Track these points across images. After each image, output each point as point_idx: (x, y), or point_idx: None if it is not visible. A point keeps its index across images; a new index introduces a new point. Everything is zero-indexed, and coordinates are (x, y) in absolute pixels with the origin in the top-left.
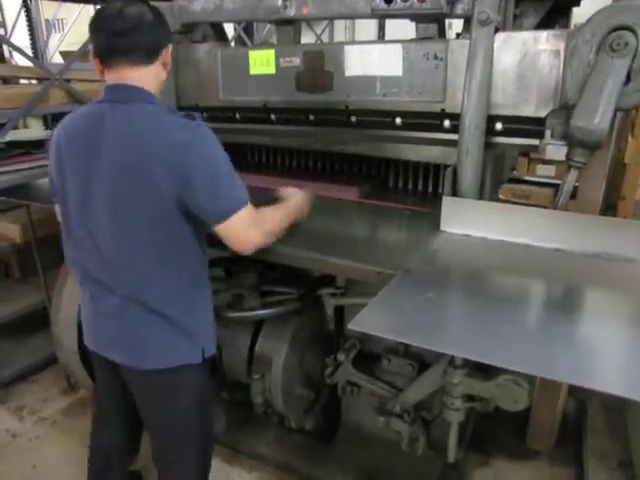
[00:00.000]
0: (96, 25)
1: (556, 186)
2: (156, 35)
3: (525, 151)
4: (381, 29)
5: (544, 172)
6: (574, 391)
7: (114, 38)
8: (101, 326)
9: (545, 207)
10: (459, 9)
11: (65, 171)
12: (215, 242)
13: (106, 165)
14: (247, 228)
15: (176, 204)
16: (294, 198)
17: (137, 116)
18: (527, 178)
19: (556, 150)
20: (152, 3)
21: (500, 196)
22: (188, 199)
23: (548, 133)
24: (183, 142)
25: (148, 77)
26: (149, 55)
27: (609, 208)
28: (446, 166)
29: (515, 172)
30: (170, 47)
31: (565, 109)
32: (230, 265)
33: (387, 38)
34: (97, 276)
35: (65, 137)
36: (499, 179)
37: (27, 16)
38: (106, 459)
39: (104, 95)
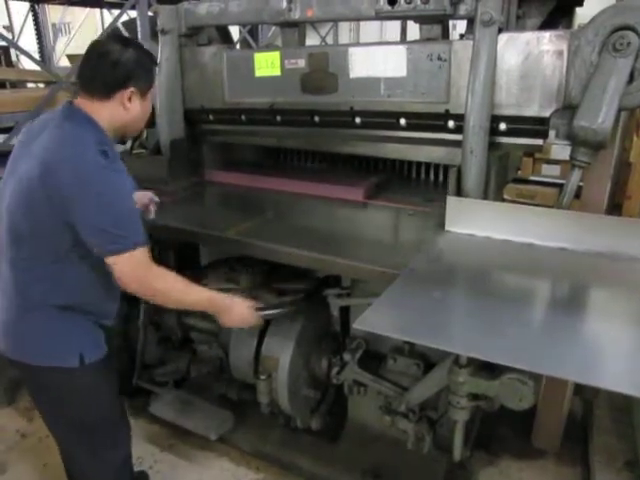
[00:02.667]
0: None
1: (561, 186)
2: (116, 75)
3: (529, 151)
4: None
5: (549, 172)
6: (580, 390)
7: (80, 71)
8: None
9: (550, 207)
10: (462, 10)
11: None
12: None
13: (14, 173)
14: (137, 273)
15: (63, 225)
16: (231, 308)
17: (62, 139)
18: (532, 178)
19: (561, 150)
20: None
21: (505, 196)
22: (77, 228)
23: (553, 133)
24: (84, 177)
25: (101, 112)
26: (103, 92)
27: (615, 208)
28: (450, 166)
29: (520, 172)
30: (132, 91)
31: (569, 109)
32: (236, 266)
33: (388, 37)
34: None
35: (19, 139)
36: (504, 179)
37: (34, 20)
38: None
39: (58, 109)
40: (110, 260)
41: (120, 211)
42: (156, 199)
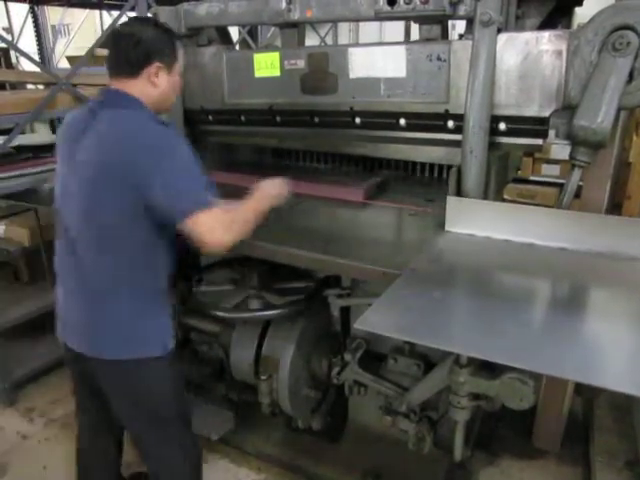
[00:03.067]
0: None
1: (561, 186)
2: (135, 54)
3: (529, 151)
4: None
5: (549, 172)
6: (581, 390)
7: (108, 56)
8: (70, 318)
9: (550, 207)
10: (461, 10)
11: (57, 167)
12: None
13: (82, 163)
14: (213, 227)
15: (142, 203)
16: (262, 189)
17: (118, 119)
18: (532, 178)
19: (561, 149)
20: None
21: (505, 196)
22: (152, 199)
23: (552, 133)
24: (153, 145)
25: (133, 91)
26: (130, 71)
27: (615, 207)
28: (450, 166)
29: (520, 172)
30: (157, 65)
31: (568, 109)
32: (236, 266)
33: (387, 37)
34: (70, 269)
35: (61, 130)
36: (504, 179)
37: (34, 22)
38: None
39: (102, 97)
40: (193, 220)
41: (195, 171)
42: None
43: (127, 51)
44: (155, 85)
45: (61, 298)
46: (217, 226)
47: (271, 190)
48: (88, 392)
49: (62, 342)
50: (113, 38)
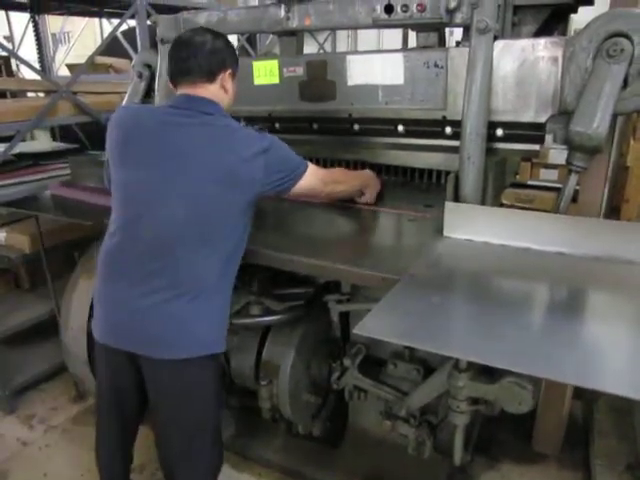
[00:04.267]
0: (170, 52)
1: (559, 190)
2: (212, 61)
3: (526, 156)
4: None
5: (547, 176)
6: (580, 394)
7: (180, 63)
8: (131, 321)
9: (549, 211)
10: (458, 18)
11: (128, 158)
12: None
13: (191, 164)
14: (312, 180)
15: (253, 201)
16: (367, 175)
17: (221, 128)
18: (530, 183)
19: (559, 154)
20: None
21: (504, 201)
22: (270, 190)
23: (550, 138)
24: (263, 148)
25: (208, 95)
26: (207, 77)
27: (613, 211)
28: (448, 172)
29: (518, 177)
30: (228, 72)
31: (564, 114)
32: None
33: (386, 43)
34: (139, 267)
35: (134, 129)
36: (501, 184)
37: (35, 30)
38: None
39: (176, 101)
40: (300, 183)
41: (289, 153)
42: None
43: (204, 58)
44: (226, 91)
45: (115, 299)
46: (319, 181)
47: (371, 180)
48: (128, 397)
49: (104, 345)
50: (186, 45)
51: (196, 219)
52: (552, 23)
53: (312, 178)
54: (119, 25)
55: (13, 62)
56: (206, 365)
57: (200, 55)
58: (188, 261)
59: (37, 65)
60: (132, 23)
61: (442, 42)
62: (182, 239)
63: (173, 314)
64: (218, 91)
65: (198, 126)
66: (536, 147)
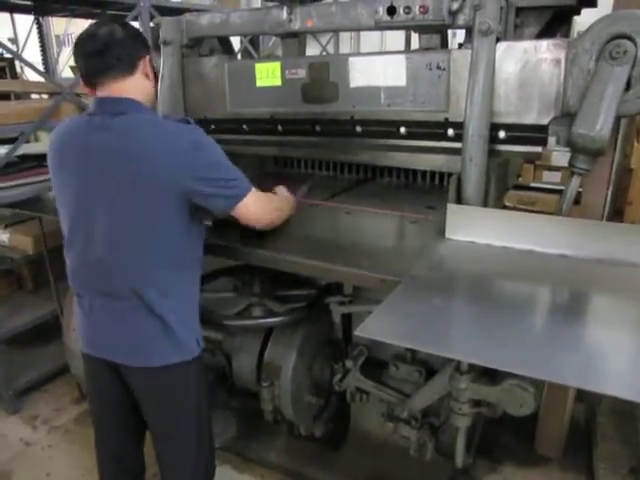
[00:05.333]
0: (75, 51)
1: (562, 192)
2: (129, 49)
3: (529, 158)
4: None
5: (550, 179)
6: (583, 397)
7: (91, 59)
8: (103, 330)
9: (551, 213)
10: (461, 20)
11: (63, 178)
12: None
13: (111, 172)
14: (257, 207)
15: (185, 203)
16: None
17: (138, 125)
18: (533, 185)
19: (562, 156)
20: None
21: (506, 203)
22: (199, 195)
23: (553, 140)
24: (189, 146)
25: (132, 89)
26: (127, 68)
27: (616, 213)
28: (450, 174)
29: (521, 179)
30: (147, 58)
31: (567, 116)
32: (238, 274)
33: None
34: (95, 281)
35: (61, 145)
36: (504, 186)
37: (39, 32)
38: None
39: (94, 108)
40: (240, 205)
41: (230, 164)
42: None
43: (121, 49)
44: (149, 78)
45: (89, 310)
46: (260, 203)
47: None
48: (116, 404)
49: (90, 356)
50: (95, 39)
51: (127, 235)
52: (555, 25)
53: (262, 204)
54: None
55: (17, 64)
56: (184, 370)
57: (115, 46)
58: (140, 275)
59: (41, 67)
60: (135, 25)
61: (444, 44)
62: (124, 255)
63: (139, 324)
64: (143, 81)
65: (117, 132)
66: (539, 149)
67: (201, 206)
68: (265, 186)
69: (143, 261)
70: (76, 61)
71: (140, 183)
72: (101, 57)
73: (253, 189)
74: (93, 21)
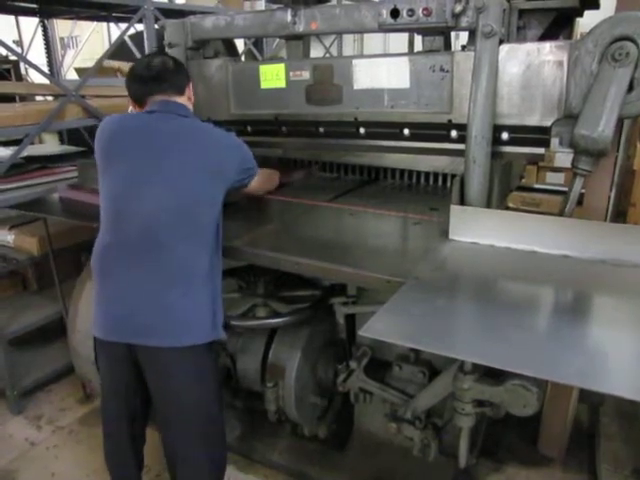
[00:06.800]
0: (130, 77)
1: (565, 193)
2: (179, 77)
3: (532, 160)
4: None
5: (553, 180)
6: (586, 397)
7: (148, 83)
8: (127, 311)
9: (554, 214)
10: (464, 22)
11: (112, 159)
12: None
13: (173, 160)
14: (258, 181)
15: (227, 187)
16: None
17: (195, 125)
18: (536, 186)
19: (565, 157)
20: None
21: (510, 204)
22: (235, 180)
23: (556, 141)
24: (237, 144)
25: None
26: (177, 90)
27: (619, 215)
28: (454, 175)
29: (524, 180)
30: (191, 85)
31: (570, 118)
32: (243, 275)
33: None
34: (133, 264)
35: (119, 131)
36: (507, 187)
37: (44, 35)
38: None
39: (155, 107)
40: (252, 181)
41: (247, 148)
42: None
43: (175, 76)
44: (191, 101)
45: (114, 294)
46: (267, 181)
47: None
48: (130, 393)
49: (105, 340)
50: (154, 66)
51: (181, 212)
52: (557, 27)
53: (260, 179)
54: (127, 29)
55: (22, 66)
56: (202, 354)
57: (169, 74)
58: (177, 253)
59: (46, 69)
60: (140, 27)
61: (448, 46)
62: (169, 232)
63: (166, 305)
64: (187, 102)
65: (177, 126)
66: (541, 151)
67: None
68: None
69: (187, 249)
70: (129, 86)
71: (196, 173)
72: (157, 82)
73: (259, 170)
74: (98, 24)
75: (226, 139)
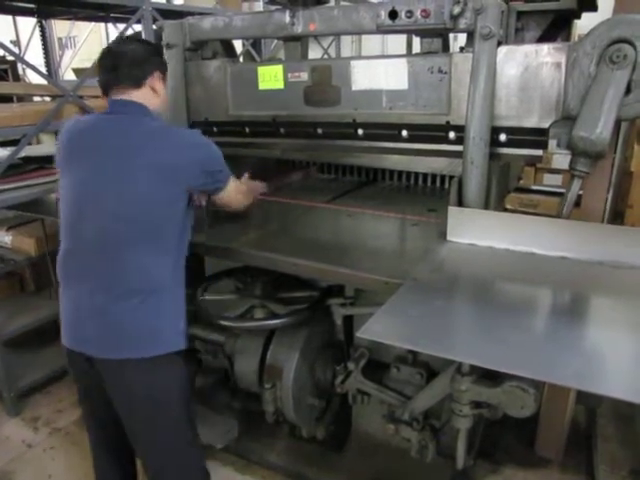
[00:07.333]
0: (98, 62)
1: (563, 195)
2: (138, 66)
3: (530, 161)
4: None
5: (551, 181)
6: (583, 399)
7: (105, 73)
8: (85, 324)
9: (552, 216)
10: (462, 24)
11: (70, 164)
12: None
13: (128, 163)
14: (239, 194)
15: (185, 191)
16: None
17: (152, 127)
18: (534, 187)
19: (563, 159)
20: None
21: (507, 205)
22: (197, 183)
23: (553, 143)
24: (196, 144)
25: (138, 99)
26: (133, 84)
27: (617, 216)
28: (452, 177)
29: (522, 181)
30: (157, 75)
31: (568, 119)
32: (240, 276)
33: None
34: (86, 272)
35: (74, 136)
36: (505, 189)
37: (41, 35)
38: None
39: (109, 108)
40: (224, 191)
41: (216, 150)
42: None
43: (130, 67)
44: (156, 92)
45: (72, 303)
46: (241, 193)
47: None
48: (99, 401)
49: (69, 349)
50: (112, 56)
51: (134, 216)
52: (555, 29)
53: (236, 190)
54: (125, 30)
55: (20, 66)
56: (164, 364)
57: (125, 66)
58: (131, 261)
59: (43, 69)
60: (138, 28)
61: (446, 47)
62: (122, 239)
63: (116, 319)
64: (147, 94)
65: (133, 127)
66: (539, 152)
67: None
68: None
69: (146, 256)
70: (98, 72)
71: (151, 176)
72: (114, 72)
73: (232, 177)
74: (95, 24)
75: (184, 137)
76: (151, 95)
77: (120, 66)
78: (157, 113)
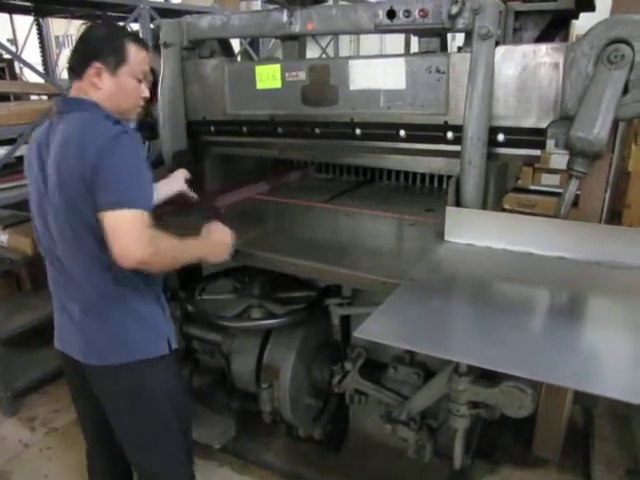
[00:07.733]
0: None
1: (561, 195)
2: (81, 57)
3: (527, 161)
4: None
5: (549, 181)
6: (580, 399)
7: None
8: (70, 328)
9: (550, 216)
10: (460, 24)
11: (29, 174)
12: None
13: (50, 173)
14: (130, 231)
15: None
16: (218, 234)
17: (70, 123)
18: (532, 187)
19: (561, 159)
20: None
21: (505, 205)
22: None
23: (551, 143)
24: (102, 145)
25: (79, 93)
26: (76, 74)
27: (614, 216)
28: (450, 177)
29: (520, 181)
30: (98, 68)
31: (566, 119)
32: (238, 276)
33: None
34: (60, 285)
35: (31, 148)
36: (503, 189)
37: (38, 33)
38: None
39: (55, 107)
40: (113, 215)
41: (135, 172)
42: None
43: (75, 54)
44: (96, 87)
45: (58, 308)
46: (134, 233)
47: (224, 238)
48: (89, 402)
49: (59, 351)
50: (76, 41)
51: (66, 228)
52: (553, 29)
53: (132, 226)
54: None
55: (17, 65)
56: (145, 369)
57: (76, 52)
58: (74, 274)
59: (40, 68)
60: (135, 27)
61: (444, 47)
62: (62, 252)
63: (92, 324)
64: (85, 86)
65: (60, 132)
66: (537, 152)
67: None
68: None
69: (86, 268)
70: None
71: (67, 189)
72: (70, 63)
73: (141, 213)
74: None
75: (100, 140)
76: (89, 89)
77: (73, 55)
78: (109, 107)
